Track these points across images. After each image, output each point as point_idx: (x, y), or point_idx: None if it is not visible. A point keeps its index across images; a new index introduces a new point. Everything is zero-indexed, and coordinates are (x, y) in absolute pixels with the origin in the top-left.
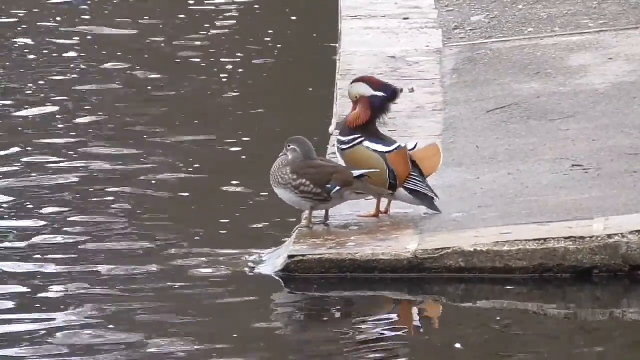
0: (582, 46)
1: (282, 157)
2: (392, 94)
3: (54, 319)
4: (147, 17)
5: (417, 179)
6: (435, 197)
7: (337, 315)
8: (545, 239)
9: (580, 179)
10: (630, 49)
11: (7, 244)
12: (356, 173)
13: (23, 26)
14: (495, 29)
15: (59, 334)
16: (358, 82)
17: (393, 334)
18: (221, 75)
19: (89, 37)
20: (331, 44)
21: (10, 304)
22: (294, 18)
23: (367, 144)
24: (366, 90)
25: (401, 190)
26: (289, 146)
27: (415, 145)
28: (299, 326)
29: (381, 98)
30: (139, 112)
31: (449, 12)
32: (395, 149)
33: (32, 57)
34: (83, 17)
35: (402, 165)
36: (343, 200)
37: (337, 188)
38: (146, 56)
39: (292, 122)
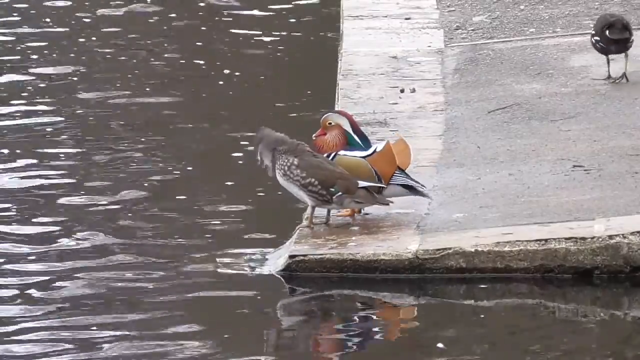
0: (583, 47)
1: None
2: (366, 146)
3: (55, 319)
4: (149, 19)
5: (400, 175)
6: (421, 186)
7: (338, 315)
8: (546, 240)
9: (581, 180)
10: (632, 50)
11: (9, 247)
12: (362, 184)
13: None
14: (496, 29)
15: (61, 331)
16: (341, 114)
17: (394, 334)
18: (220, 76)
19: (91, 36)
20: (333, 44)
21: (11, 304)
22: (292, 20)
23: (342, 152)
24: (345, 125)
25: (391, 185)
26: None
27: (375, 150)
28: (299, 326)
29: (356, 142)
30: (136, 112)
31: (451, 12)
32: (374, 152)
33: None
34: (79, 14)
35: (385, 164)
36: (342, 206)
37: (339, 193)
38: (144, 57)
39: (293, 122)
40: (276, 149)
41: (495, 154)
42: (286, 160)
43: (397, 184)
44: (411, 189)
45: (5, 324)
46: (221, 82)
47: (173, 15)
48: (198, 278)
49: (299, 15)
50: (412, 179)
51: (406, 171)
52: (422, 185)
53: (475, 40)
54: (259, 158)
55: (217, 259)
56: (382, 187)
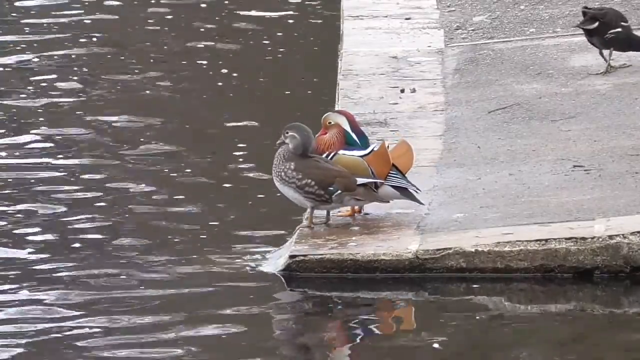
0: (583, 47)
1: (282, 147)
2: (364, 145)
3: (56, 319)
4: (150, 20)
5: (396, 175)
6: (416, 190)
7: (338, 315)
8: (546, 240)
9: (581, 180)
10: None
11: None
12: (360, 181)
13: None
14: (497, 29)
15: (61, 334)
16: (340, 114)
17: (394, 334)
18: (220, 76)
19: (93, 38)
20: (333, 44)
21: (17, 306)
22: (291, 21)
23: (341, 152)
24: (344, 124)
25: (385, 187)
26: (287, 133)
27: (372, 150)
28: (299, 326)
29: (354, 141)
30: (136, 113)
31: (451, 12)
32: (371, 151)
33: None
34: (80, 12)
35: (380, 164)
36: (342, 205)
37: (339, 192)
38: (145, 59)
39: (293, 122)
40: (286, 153)
41: (495, 154)
42: (283, 167)
43: (391, 185)
44: (404, 192)
45: (9, 323)
46: (220, 83)
47: (170, 16)
48: (198, 278)
49: (299, 15)
50: (407, 181)
51: (406, 174)
52: (417, 190)
53: (475, 40)
54: (285, 136)
55: (217, 259)
56: (377, 186)
